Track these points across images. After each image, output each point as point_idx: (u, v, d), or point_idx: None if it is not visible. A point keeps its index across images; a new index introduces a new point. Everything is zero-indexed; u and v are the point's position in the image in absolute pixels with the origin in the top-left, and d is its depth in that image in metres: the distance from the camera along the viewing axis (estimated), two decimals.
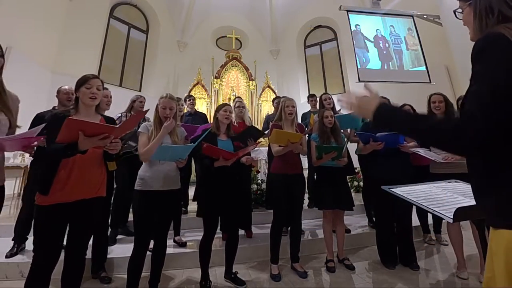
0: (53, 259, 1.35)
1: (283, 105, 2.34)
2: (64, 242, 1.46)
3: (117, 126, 1.33)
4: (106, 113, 2.39)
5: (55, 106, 2.56)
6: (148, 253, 1.82)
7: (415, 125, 0.71)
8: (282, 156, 2.22)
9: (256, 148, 3.97)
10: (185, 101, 3.79)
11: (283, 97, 2.68)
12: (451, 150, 0.70)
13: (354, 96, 0.86)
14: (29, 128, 2.29)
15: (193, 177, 3.51)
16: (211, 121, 2.56)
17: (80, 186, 1.41)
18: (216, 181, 1.96)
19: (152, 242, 1.83)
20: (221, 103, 2.30)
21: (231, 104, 3.39)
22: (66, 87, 2.50)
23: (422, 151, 2.23)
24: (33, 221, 1.42)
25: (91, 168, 1.47)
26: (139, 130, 1.86)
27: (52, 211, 1.34)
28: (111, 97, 2.44)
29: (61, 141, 1.27)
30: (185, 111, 3.98)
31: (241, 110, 3.03)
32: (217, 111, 2.16)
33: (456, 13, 0.83)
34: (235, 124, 2.96)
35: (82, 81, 1.49)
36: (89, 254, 2.02)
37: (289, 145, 2.13)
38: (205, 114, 3.76)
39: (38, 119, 2.33)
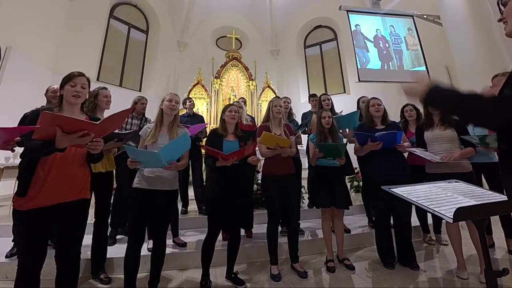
0: (37, 263, 1.30)
1: (271, 105, 2.36)
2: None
3: (96, 123, 1.25)
4: (106, 113, 2.39)
5: (43, 105, 2.53)
6: (148, 253, 1.82)
7: (461, 102, 0.79)
8: (272, 157, 2.23)
9: (256, 148, 3.97)
10: (184, 103, 3.81)
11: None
12: (494, 124, 0.78)
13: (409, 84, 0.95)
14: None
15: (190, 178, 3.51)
16: (208, 122, 2.55)
17: (59, 188, 1.31)
18: (221, 180, 1.99)
19: (151, 242, 1.83)
20: (227, 104, 2.29)
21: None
22: (55, 86, 2.44)
23: (418, 151, 2.23)
24: (12, 226, 1.37)
25: (72, 168, 1.37)
26: (140, 133, 1.88)
27: (31, 216, 1.26)
28: (110, 96, 2.43)
29: (38, 137, 1.18)
30: (184, 112, 4.00)
31: (238, 110, 3.04)
32: (223, 112, 2.17)
33: (500, 5, 0.84)
34: None
35: (67, 79, 1.43)
36: (89, 254, 2.04)
37: (277, 148, 2.14)
38: (202, 117, 3.79)
39: (24, 119, 2.21)
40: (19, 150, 1.58)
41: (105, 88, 2.35)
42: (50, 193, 1.29)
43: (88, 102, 2.25)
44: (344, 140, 2.60)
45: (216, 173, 2.00)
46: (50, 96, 2.47)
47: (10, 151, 1.78)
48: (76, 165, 1.40)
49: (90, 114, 2.26)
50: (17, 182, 1.34)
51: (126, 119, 2.77)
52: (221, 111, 2.24)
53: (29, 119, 1.38)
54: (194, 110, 3.77)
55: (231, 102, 3.58)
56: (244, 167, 2.10)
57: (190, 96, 6.57)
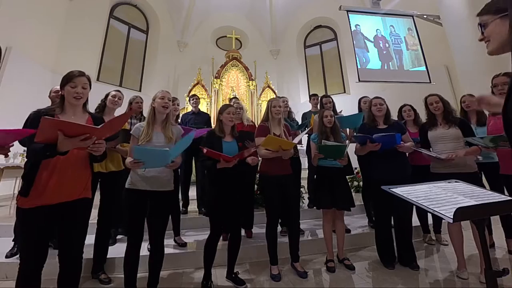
0: (39, 261, 1.30)
1: (270, 105, 2.36)
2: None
3: (98, 127, 1.25)
4: (117, 112, 2.41)
5: (47, 106, 2.55)
6: (147, 254, 1.81)
7: None
8: (270, 158, 2.22)
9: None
10: (189, 100, 3.79)
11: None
12: None
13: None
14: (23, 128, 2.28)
15: (193, 177, 3.50)
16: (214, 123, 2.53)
17: (62, 188, 1.33)
18: (223, 181, 1.98)
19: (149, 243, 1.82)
20: (224, 104, 2.24)
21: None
22: (58, 87, 2.50)
23: (424, 151, 2.23)
24: (13, 225, 1.37)
25: (73, 170, 1.38)
26: (131, 132, 1.79)
27: (33, 214, 1.28)
28: (119, 97, 2.44)
29: (40, 141, 1.17)
30: (189, 110, 3.97)
31: (238, 111, 3.03)
32: (220, 113, 2.14)
33: (481, 27, 0.86)
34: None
35: (67, 79, 1.40)
36: (89, 254, 2.04)
37: (280, 151, 2.14)
38: (208, 115, 3.73)
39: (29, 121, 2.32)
40: (19, 150, 1.57)
41: (117, 90, 2.50)
42: (52, 193, 1.31)
43: (101, 101, 2.43)
44: (346, 141, 2.59)
45: (216, 175, 1.99)
46: (53, 97, 2.49)
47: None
48: (78, 166, 1.41)
49: (100, 113, 2.25)
50: (18, 181, 1.35)
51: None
52: (217, 112, 2.19)
53: (30, 120, 1.37)
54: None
55: (231, 102, 3.53)
56: (245, 167, 2.09)
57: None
